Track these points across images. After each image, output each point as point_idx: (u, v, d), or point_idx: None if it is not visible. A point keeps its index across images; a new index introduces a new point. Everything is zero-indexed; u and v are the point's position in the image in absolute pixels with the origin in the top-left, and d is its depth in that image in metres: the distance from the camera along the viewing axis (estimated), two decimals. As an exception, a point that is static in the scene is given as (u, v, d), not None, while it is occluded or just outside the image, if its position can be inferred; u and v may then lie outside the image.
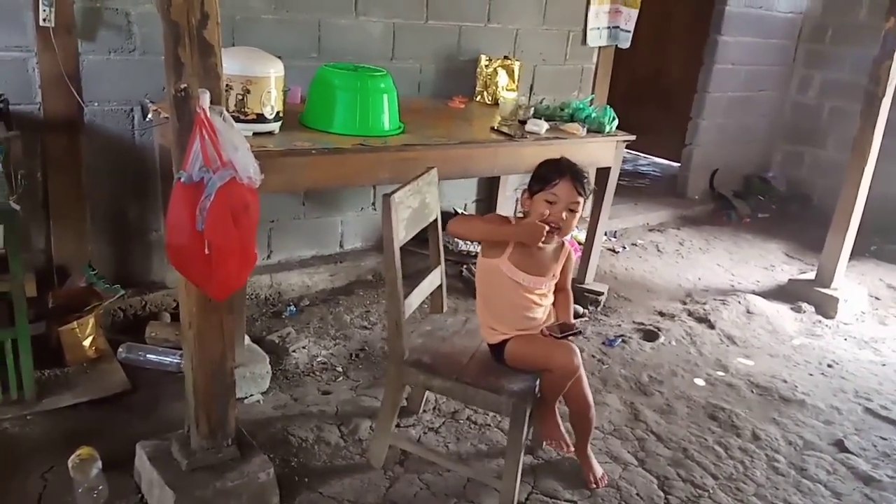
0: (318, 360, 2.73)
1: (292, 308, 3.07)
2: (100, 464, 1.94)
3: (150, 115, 2.63)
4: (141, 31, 2.68)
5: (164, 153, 2.75)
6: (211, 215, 1.67)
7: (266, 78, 2.37)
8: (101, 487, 1.92)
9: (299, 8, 3.02)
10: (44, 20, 2.47)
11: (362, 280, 3.41)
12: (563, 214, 1.96)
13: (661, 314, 3.47)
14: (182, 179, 1.68)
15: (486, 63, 3.49)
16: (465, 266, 3.56)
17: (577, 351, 1.97)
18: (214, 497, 1.87)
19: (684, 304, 3.62)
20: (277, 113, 2.43)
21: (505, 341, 2.03)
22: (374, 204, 3.50)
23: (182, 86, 1.70)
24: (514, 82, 3.47)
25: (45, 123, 2.56)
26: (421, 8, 3.37)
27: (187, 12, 1.66)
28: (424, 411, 2.44)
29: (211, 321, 1.88)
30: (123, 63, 2.70)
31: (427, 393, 2.41)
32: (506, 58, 3.52)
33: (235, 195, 1.70)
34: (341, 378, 2.64)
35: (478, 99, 3.54)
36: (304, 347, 2.78)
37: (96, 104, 2.68)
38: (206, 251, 1.69)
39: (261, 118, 2.40)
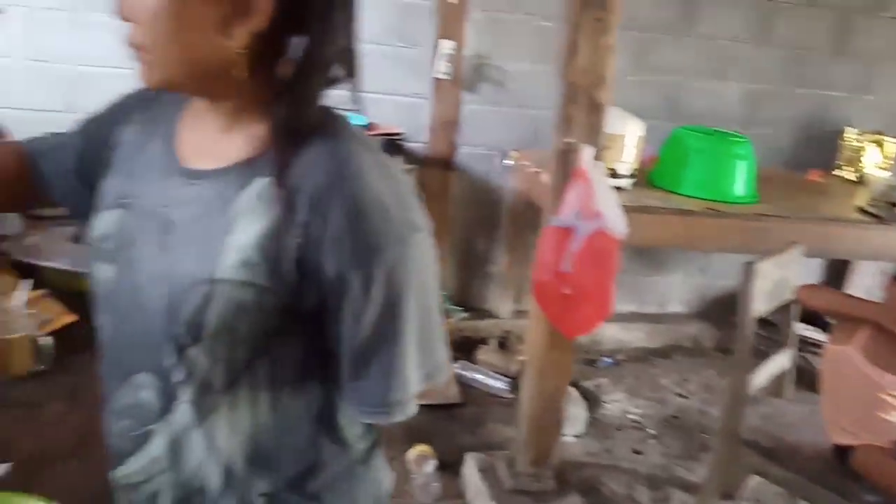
0: (631, 416, 2.75)
1: (608, 360, 3.14)
2: (434, 462, 2.19)
3: (509, 161, 2.93)
4: (516, 87, 3.00)
5: (515, 196, 3.04)
6: (577, 259, 1.82)
7: (625, 136, 2.49)
8: (434, 483, 2.17)
9: (660, 71, 3.12)
10: (439, 73, 2.90)
11: (681, 345, 3.36)
12: None
13: None
14: (555, 223, 1.86)
15: (854, 137, 3.24)
16: (803, 353, 3.30)
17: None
18: (532, 522, 2.00)
19: None
20: (633, 171, 2.54)
21: (852, 445, 1.85)
22: (703, 270, 3.43)
23: (568, 140, 1.89)
24: (886, 160, 3.17)
25: (427, 159, 3.00)
26: (785, 74, 3.26)
27: (585, 74, 1.85)
28: (745, 499, 2.31)
29: (553, 357, 2.03)
30: (496, 113, 3.05)
31: (749, 479, 2.28)
32: (878, 133, 3.23)
33: (601, 244, 1.82)
34: (653, 441, 2.62)
35: (839, 174, 3.29)
36: (617, 401, 2.82)
37: (468, 147, 3.06)
38: (567, 291, 1.84)
39: (615, 173, 2.52)
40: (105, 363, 0.85)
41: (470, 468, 2.21)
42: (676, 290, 3.47)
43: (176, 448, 0.80)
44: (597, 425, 2.67)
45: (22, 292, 1.34)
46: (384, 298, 0.74)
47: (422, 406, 2.20)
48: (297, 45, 0.73)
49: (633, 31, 3.04)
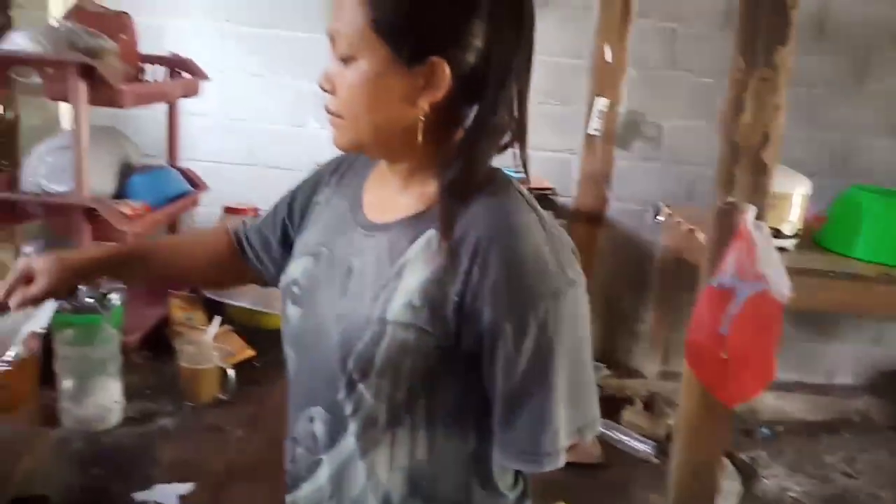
0: (791, 494, 2.56)
1: (766, 430, 2.95)
2: (574, 523, 2.15)
3: (660, 217, 2.88)
4: (670, 143, 2.97)
5: (666, 253, 2.98)
6: (736, 322, 1.76)
7: (790, 195, 2.40)
8: (574, 545, 2.13)
9: (828, 127, 2.98)
10: (592, 129, 2.94)
11: (848, 420, 3.09)
12: None
13: None
14: (714, 284, 1.81)
15: None
16: None
17: None
18: None
19: None
20: (797, 231, 2.42)
21: None
22: (876, 339, 3.17)
23: (730, 200, 1.84)
24: None
25: (574, 214, 3.02)
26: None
27: (750, 134, 1.81)
28: None
29: (706, 424, 1.95)
30: (648, 169, 3.03)
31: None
32: None
33: (763, 307, 1.75)
34: (816, 523, 2.42)
35: None
36: (775, 476, 2.64)
37: (619, 202, 3.05)
38: (724, 355, 1.77)
39: (779, 234, 2.42)
40: (290, 394, 0.94)
41: (614, 533, 2.15)
42: (845, 360, 3.22)
43: (339, 478, 0.87)
44: (753, 501, 2.50)
45: (212, 328, 1.50)
46: (536, 348, 0.78)
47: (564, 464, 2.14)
48: (470, 114, 0.81)
49: (801, 87, 2.93)
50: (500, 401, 0.81)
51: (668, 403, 2.88)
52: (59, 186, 1.56)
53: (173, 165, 1.95)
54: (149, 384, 1.46)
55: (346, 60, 0.79)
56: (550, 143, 2.99)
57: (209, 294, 1.71)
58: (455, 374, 0.82)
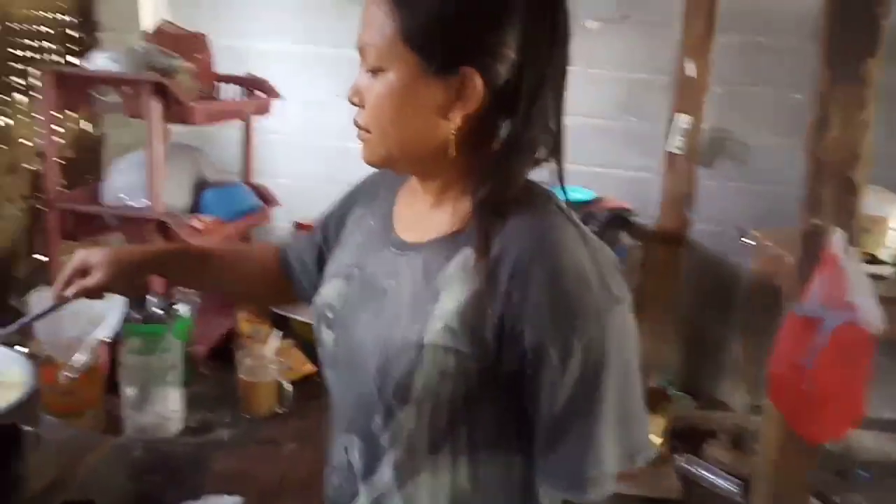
0: (889, 544, 2.35)
1: (864, 473, 2.73)
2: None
3: (748, 239, 2.74)
4: (757, 162, 2.83)
5: (754, 278, 2.82)
6: (822, 354, 1.64)
7: (886, 218, 2.24)
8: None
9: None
10: (675, 148, 2.83)
11: (960, 466, 2.82)
12: None
13: None
14: (797, 312, 1.70)
15: None
16: None
17: None
18: None
19: None
20: (895, 257, 2.26)
21: None
22: None
23: (815, 222, 1.73)
24: None
25: (653, 236, 2.91)
26: None
27: (836, 151, 1.69)
28: None
29: (790, 462, 1.82)
30: (734, 189, 2.89)
31: None
32: None
33: (852, 339, 1.63)
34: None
35: None
36: (872, 523, 2.43)
37: (702, 224, 2.92)
38: (808, 389, 1.65)
39: (874, 259, 2.26)
40: (333, 418, 0.93)
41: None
42: (955, 400, 2.94)
43: None
44: (845, 549, 2.31)
45: (273, 342, 1.51)
46: (582, 371, 0.74)
47: (638, 499, 2.09)
48: (504, 127, 0.78)
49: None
50: (544, 426, 0.78)
51: (756, 439, 2.71)
52: (135, 200, 1.63)
53: (247, 182, 2.00)
54: (211, 395, 1.49)
55: (375, 72, 0.78)
56: (629, 162, 2.91)
57: (275, 309, 1.74)
58: (498, 398, 0.79)
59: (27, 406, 1.04)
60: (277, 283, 1.07)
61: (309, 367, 1.59)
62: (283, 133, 2.84)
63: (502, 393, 0.79)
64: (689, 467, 2.58)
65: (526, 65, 0.76)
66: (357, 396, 0.84)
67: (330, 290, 0.90)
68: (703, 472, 2.56)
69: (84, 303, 0.99)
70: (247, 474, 1.25)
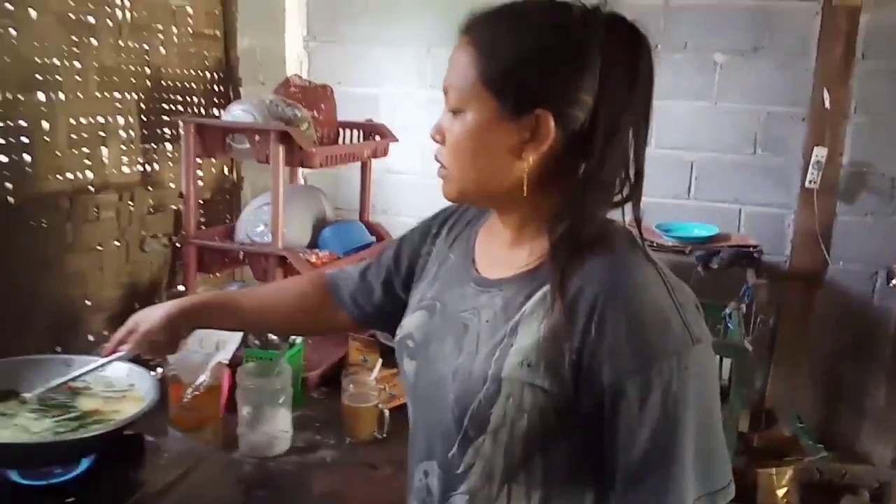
0: None
1: None
2: None
3: (895, 281, 2.53)
4: (903, 196, 2.61)
5: (902, 323, 2.59)
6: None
7: None
8: None
9: None
10: (809, 182, 2.68)
11: None
12: None
13: None
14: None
15: None
16: None
17: None
18: None
19: None
20: None
21: None
22: None
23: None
24: None
25: (788, 274, 2.75)
26: None
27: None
28: None
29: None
30: (878, 225, 2.67)
31: None
32: None
33: None
34: None
35: None
36: None
37: (841, 263, 2.72)
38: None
39: None
40: (410, 447, 0.97)
41: None
42: None
43: None
44: None
45: (376, 371, 1.60)
46: (661, 411, 0.74)
47: None
48: (578, 167, 0.81)
49: None
50: (622, 466, 0.78)
51: (899, 495, 2.47)
52: (261, 237, 1.79)
53: (363, 219, 2.14)
54: (319, 418, 1.59)
55: (456, 112, 0.84)
56: (762, 198, 2.77)
57: (383, 339, 1.83)
58: (574, 434, 0.81)
59: (153, 418, 1.19)
60: (321, 311, 1.14)
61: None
62: (406, 172, 2.99)
63: (579, 430, 0.80)
64: (825, 525, 2.39)
65: (602, 109, 0.79)
66: (436, 424, 0.88)
67: (411, 322, 0.96)
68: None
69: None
70: (343, 495, 1.33)
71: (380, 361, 1.63)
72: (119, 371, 1.22)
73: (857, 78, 2.61)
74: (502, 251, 0.89)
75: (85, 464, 1.13)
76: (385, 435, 1.52)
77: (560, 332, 0.77)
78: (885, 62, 2.62)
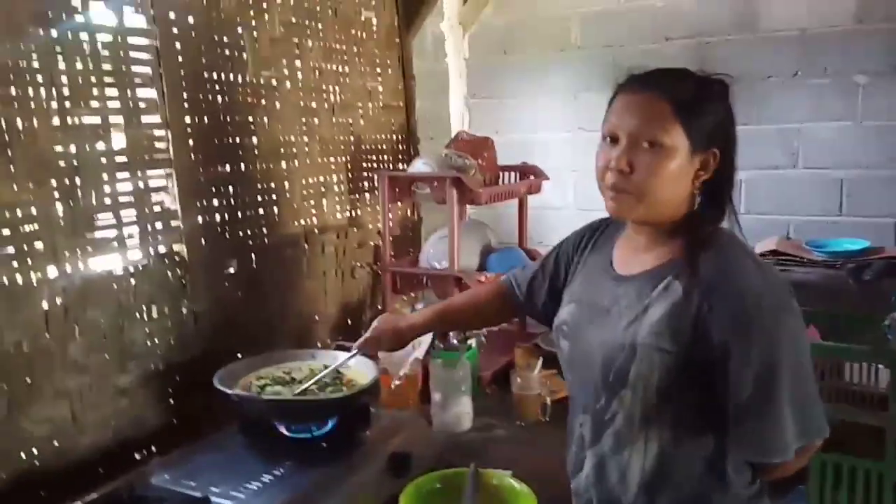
0: None
1: None
2: None
3: None
4: None
5: None
6: None
7: None
8: None
9: None
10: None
11: None
12: None
13: None
14: None
15: None
16: None
17: None
18: None
19: None
20: None
21: None
22: None
23: None
24: None
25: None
26: None
27: None
28: None
29: None
30: None
31: None
32: None
33: None
34: None
35: None
36: None
37: None
38: None
39: None
40: (570, 408, 1.32)
41: None
42: None
43: (599, 469, 1.20)
44: None
45: (538, 367, 1.96)
46: (760, 364, 1.04)
47: None
48: (711, 189, 1.15)
49: None
50: (733, 406, 1.08)
51: None
52: (440, 263, 2.24)
53: (521, 246, 2.53)
54: (492, 407, 1.97)
55: (651, 146, 1.09)
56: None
57: (544, 345, 2.20)
58: (693, 385, 1.09)
59: (372, 393, 1.64)
60: (503, 307, 1.55)
61: (564, 391, 1.99)
62: (562, 207, 3.37)
63: (698, 382, 1.08)
64: None
65: (728, 149, 1.14)
66: (587, 385, 1.20)
67: (565, 312, 1.30)
68: None
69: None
70: (516, 461, 1.68)
71: (541, 360, 1.99)
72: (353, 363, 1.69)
73: None
74: (636, 255, 1.21)
75: (330, 424, 1.59)
76: (548, 419, 1.87)
77: (681, 309, 1.08)
78: None
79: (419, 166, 2.22)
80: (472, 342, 2.07)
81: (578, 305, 1.27)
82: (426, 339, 1.93)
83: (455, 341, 2.03)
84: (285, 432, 1.57)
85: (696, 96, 1.11)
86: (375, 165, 2.52)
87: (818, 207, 2.97)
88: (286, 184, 2.10)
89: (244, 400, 1.53)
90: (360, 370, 1.68)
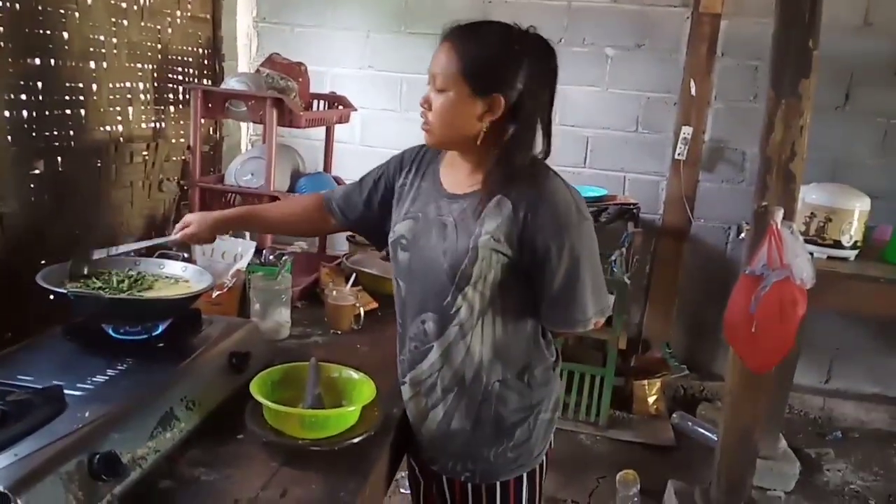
0: (852, 486, 2.87)
1: (838, 434, 3.25)
2: (639, 486, 2.61)
3: (743, 234, 3.30)
4: (751, 167, 3.40)
5: (748, 267, 3.38)
6: (763, 302, 2.21)
7: (848, 211, 2.78)
8: (636, 500, 2.59)
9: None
10: (678, 155, 3.43)
11: (928, 432, 3.31)
12: None
13: None
14: (747, 272, 2.27)
15: None
16: None
17: None
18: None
19: None
20: (855, 242, 2.79)
21: None
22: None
23: (763, 203, 2.31)
24: None
25: (660, 230, 3.50)
26: None
27: (780, 149, 2.27)
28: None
29: (746, 393, 2.39)
30: (731, 191, 3.47)
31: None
32: None
33: (786, 291, 2.20)
34: (871, 509, 2.73)
35: None
36: (839, 470, 2.95)
37: (702, 221, 3.50)
38: (753, 330, 2.22)
39: (837, 244, 2.80)
40: (401, 310, 1.53)
41: (669, 493, 2.59)
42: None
43: (447, 354, 1.43)
44: (812, 488, 2.84)
45: (350, 282, 2.16)
46: (569, 260, 1.34)
47: (636, 443, 2.83)
48: (511, 128, 1.39)
49: (881, 118, 3.30)
50: (546, 297, 1.37)
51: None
52: (248, 183, 2.32)
53: (328, 173, 2.69)
54: (305, 319, 2.13)
55: (441, 91, 1.33)
56: (643, 167, 3.52)
57: (349, 264, 2.40)
58: (519, 281, 1.37)
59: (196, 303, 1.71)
60: (318, 219, 1.71)
61: (373, 304, 2.22)
62: (348, 141, 3.55)
63: (523, 278, 1.37)
64: (682, 422, 3.14)
65: (528, 94, 1.36)
66: (431, 287, 1.40)
67: (402, 228, 1.49)
68: (694, 426, 3.12)
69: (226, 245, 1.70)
70: (341, 361, 1.87)
71: (354, 275, 2.19)
72: (175, 268, 1.73)
73: (717, 72, 3.39)
74: (462, 177, 1.44)
75: (161, 327, 1.63)
76: (360, 327, 2.09)
77: (510, 221, 1.34)
78: (739, 59, 3.40)
79: (233, 83, 2.25)
80: (287, 258, 2.19)
81: (415, 221, 1.47)
82: (249, 251, 2.02)
83: (272, 257, 2.15)
84: (113, 334, 1.58)
85: (484, 48, 1.32)
86: (181, 78, 2.48)
87: (569, 160, 3.53)
88: (94, 86, 2.02)
89: (81, 298, 1.51)
90: (194, 278, 1.73)
